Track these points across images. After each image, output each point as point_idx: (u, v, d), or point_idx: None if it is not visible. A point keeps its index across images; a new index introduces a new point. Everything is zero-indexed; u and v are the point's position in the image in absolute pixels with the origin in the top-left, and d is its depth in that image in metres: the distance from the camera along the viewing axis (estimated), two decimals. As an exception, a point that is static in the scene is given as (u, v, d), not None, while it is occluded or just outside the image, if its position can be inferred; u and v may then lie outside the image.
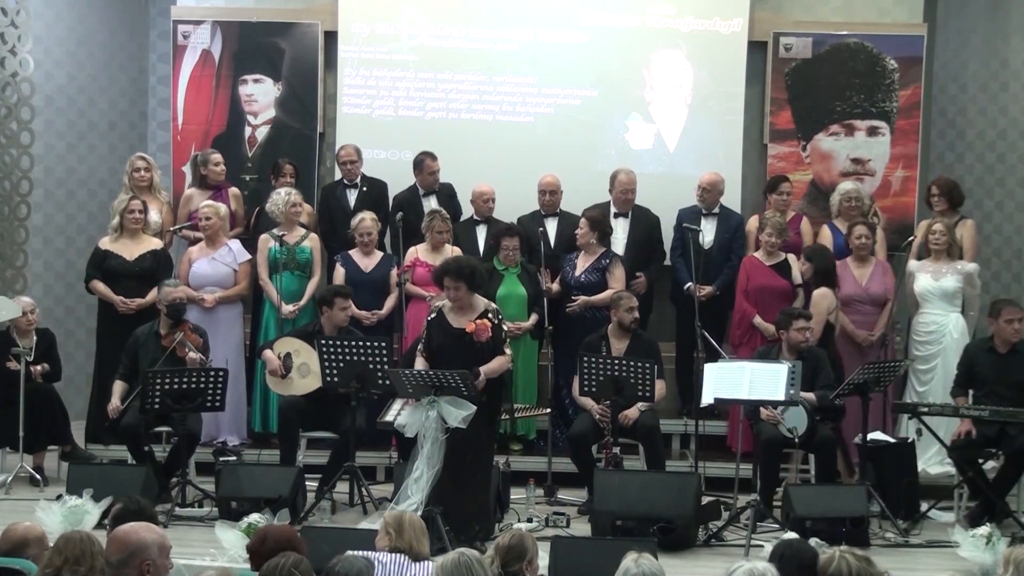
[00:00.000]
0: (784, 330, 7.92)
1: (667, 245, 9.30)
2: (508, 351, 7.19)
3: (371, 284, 8.79)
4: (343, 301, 8.07)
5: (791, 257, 8.85)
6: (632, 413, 7.87)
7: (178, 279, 8.70)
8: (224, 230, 8.95)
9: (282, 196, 8.87)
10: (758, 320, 8.68)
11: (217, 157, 9.34)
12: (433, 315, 7.19)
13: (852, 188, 9.08)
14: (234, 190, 9.46)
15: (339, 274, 8.82)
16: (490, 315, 7.07)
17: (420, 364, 7.10)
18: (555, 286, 8.79)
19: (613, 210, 9.14)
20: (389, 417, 7.46)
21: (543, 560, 5.92)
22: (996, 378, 7.75)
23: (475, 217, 9.23)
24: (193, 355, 7.96)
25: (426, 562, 4.93)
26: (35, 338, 8.60)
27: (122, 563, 3.95)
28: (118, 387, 8.07)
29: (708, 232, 9.05)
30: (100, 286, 8.81)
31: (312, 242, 8.95)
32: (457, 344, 7.01)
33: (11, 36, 9.66)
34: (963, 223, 8.93)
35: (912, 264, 8.65)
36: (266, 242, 8.84)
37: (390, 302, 8.81)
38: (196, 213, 9.08)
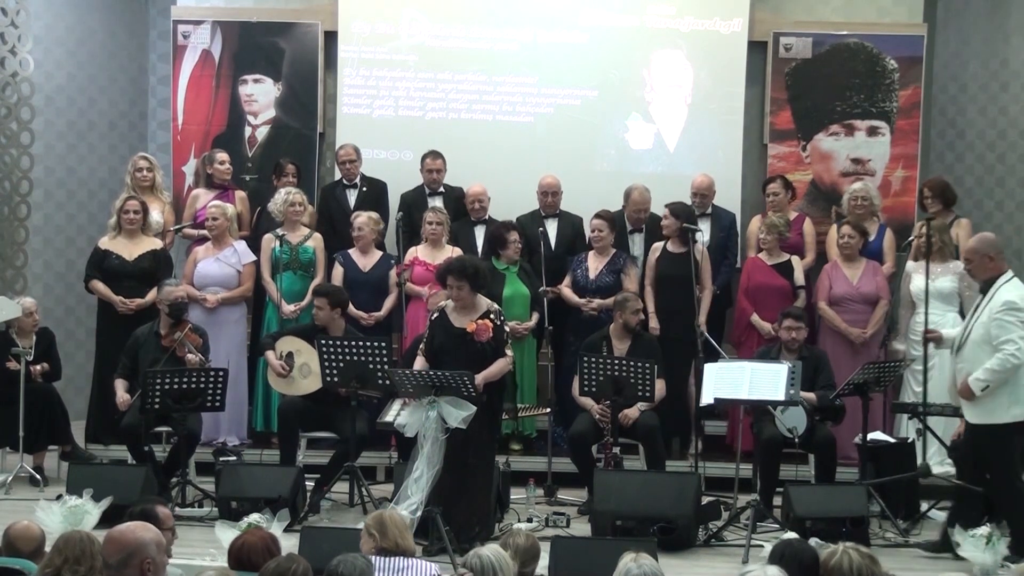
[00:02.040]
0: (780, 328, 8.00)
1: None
2: (510, 352, 7.18)
3: (369, 284, 8.78)
4: (318, 299, 8.09)
5: (795, 259, 8.85)
6: (632, 413, 7.87)
7: (179, 279, 8.70)
8: (232, 231, 8.95)
9: (281, 195, 8.89)
10: (755, 318, 8.69)
11: (223, 156, 9.34)
12: (436, 315, 7.18)
13: (861, 188, 9.06)
14: (240, 193, 9.46)
15: (337, 273, 8.82)
16: (492, 316, 7.06)
17: (420, 363, 7.10)
18: (565, 289, 8.72)
19: (628, 226, 9.11)
20: (389, 417, 7.45)
21: (543, 560, 5.93)
22: None
23: (471, 219, 9.23)
24: (192, 356, 7.95)
25: (427, 563, 4.89)
26: (35, 337, 8.60)
27: (123, 563, 3.95)
28: (120, 384, 8.06)
29: (704, 232, 9.03)
30: (100, 286, 8.80)
31: (315, 242, 8.96)
32: (458, 344, 7.01)
33: (11, 36, 9.66)
34: (958, 222, 8.92)
35: (910, 265, 8.65)
36: (269, 242, 8.84)
37: (389, 302, 8.80)
38: (201, 212, 9.09)
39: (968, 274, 7.00)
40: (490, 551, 4.38)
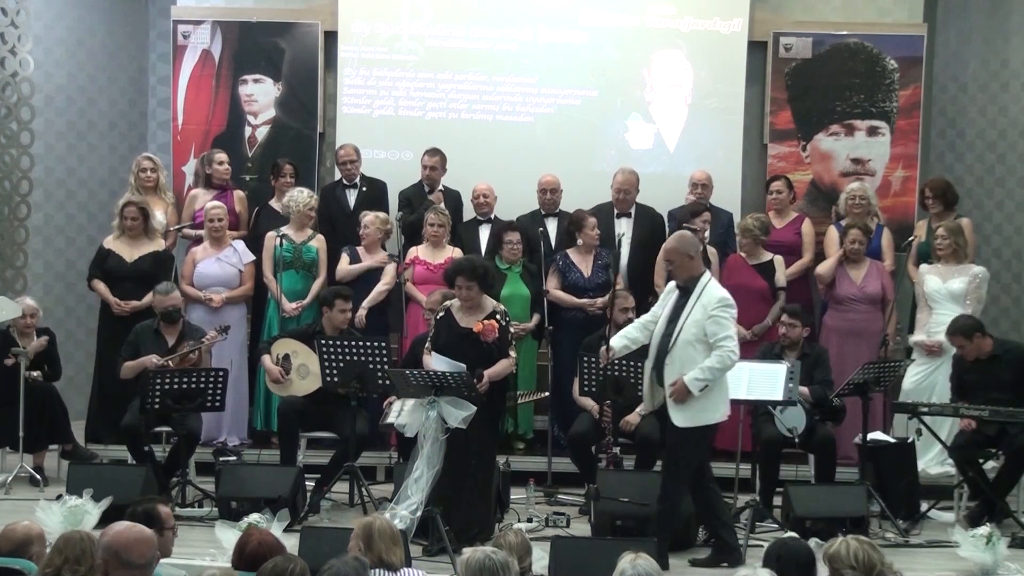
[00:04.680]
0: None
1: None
2: (513, 354, 7.18)
3: (368, 281, 8.76)
4: (343, 303, 8.07)
5: (777, 259, 8.82)
6: (633, 419, 7.86)
7: (173, 281, 8.65)
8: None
9: (304, 197, 8.87)
10: None
11: (221, 156, 9.32)
12: (442, 314, 7.16)
13: (858, 187, 9.07)
14: (239, 192, 9.46)
15: (343, 262, 8.82)
16: (498, 316, 7.06)
17: (434, 360, 7.03)
18: (558, 292, 8.69)
19: (616, 210, 9.12)
20: (391, 418, 7.44)
21: (543, 560, 5.94)
22: (986, 384, 7.70)
23: (477, 217, 9.23)
24: (211, 334, 8.04)
25: (413, 571, 4.88)
26: (35, 339, 8.59)
27: (153, 561, 4.04)
28: (129, 363, 8.04)
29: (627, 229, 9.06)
30: (100, 286, 8.82)
31: (319, 243, 8.96)
32: (463, 344, 7.00)
33: (11, 36, 9.66)
34: (959, 222, 8.91)
35: (923, 267, 8.65)
36: (272, 240, 8.83)
37: (373, 294, 8.72)
38: (200, 213, 9.08)
39: (669, 275, 6.82)
40: (497, 554, 4.35)
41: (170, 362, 7.95)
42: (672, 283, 6.80)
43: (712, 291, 6.60)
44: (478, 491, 6.98)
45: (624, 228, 9.08)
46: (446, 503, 6.79)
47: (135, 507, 5.06)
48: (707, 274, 6.71)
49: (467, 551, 4.41)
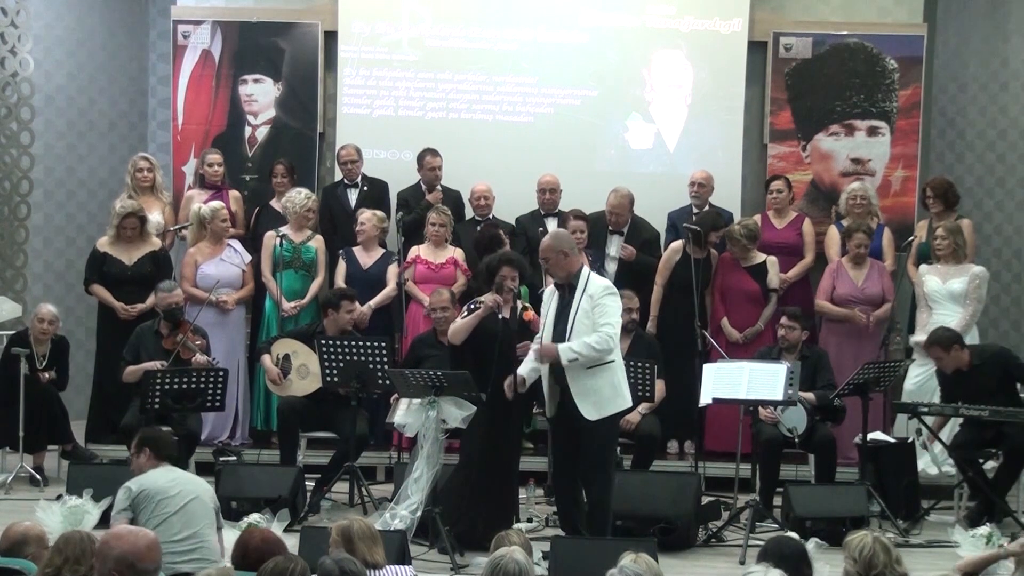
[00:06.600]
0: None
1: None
2: None
3: (369, 281, 8.78)
4: (349, 304, 8.08)
5: (770, 260, 8.81)
6: (634, 418, 7.85)
7: (176, 281, 8.67)
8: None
9: (300, 198, 8.88)
10: (724, 324, 8.71)
11: (213, 157, 9.30)
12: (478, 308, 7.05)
13: (859, 187, 9.07)
14: (234, 192, 9.46)
15: (340, 269, 8.82)
16: (528, 306, 7.08)
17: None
18: None
19: (609, 227, 9.10)
20: (396, 417, 7.43)
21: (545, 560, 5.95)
22: (970, 395, 7.64)
23: (476, 217, 9.24)
24: (200, 357, 7.96)
25: (398, 568, 4.87)
26: (49, 345, 8.58)
27: (159, 566, 4.06)
28: (131, 367, 8.03)
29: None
30: (100, 290, 8.83)
31: (317, 243, 8.97)
32: (521, 334, 6.99)
33: (11, 36, 9.67)
34: (960, 223, 8.91)
35: (923, 267, 8.64)
36: (271, 239, 8.83)
37: (381, 295, 8.76)
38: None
39: (546, 273, 6.73)
40: (520, 556, 4.34)
41: (179, 350, 7.93)
42: (550, 288, 6.72)
43: (596, 281, 6.65)
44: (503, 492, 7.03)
45: (615, 247, 9.03)
46: (478, 502, 6.83)
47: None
48: (585, 268, 6.72)
49: (501, 551, 4.38)
